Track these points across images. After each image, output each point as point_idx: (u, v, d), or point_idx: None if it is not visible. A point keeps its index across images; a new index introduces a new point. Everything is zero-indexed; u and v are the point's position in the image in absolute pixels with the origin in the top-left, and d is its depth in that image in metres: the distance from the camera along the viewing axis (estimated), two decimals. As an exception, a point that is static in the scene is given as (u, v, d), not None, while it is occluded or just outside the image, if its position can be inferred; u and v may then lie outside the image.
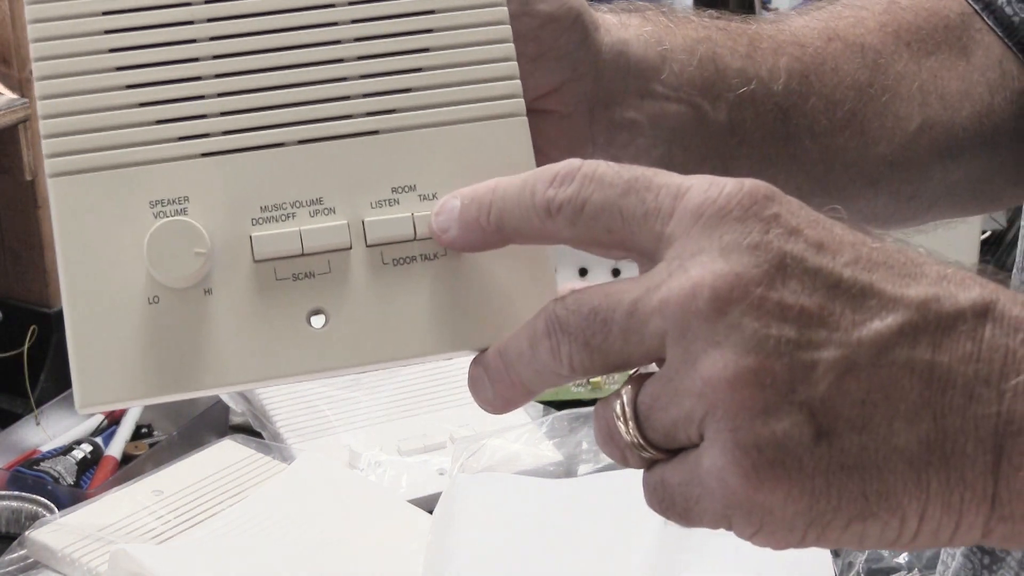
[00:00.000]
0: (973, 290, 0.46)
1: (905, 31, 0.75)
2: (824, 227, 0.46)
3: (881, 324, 0.45)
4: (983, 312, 0.45)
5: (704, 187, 0.46)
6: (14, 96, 1.31)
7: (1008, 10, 0.76)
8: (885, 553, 1.07)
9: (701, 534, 0.98)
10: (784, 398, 0.44)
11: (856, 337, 0.45)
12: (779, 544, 0.46)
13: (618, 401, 0.47)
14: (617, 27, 0.66)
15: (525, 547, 1.02)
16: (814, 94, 0.71)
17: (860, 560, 1.06)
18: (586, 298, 0.47)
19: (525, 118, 0.54)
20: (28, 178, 1.35)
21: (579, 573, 0.99)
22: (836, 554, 1.05)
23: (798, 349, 0.44)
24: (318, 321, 0.51)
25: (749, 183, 0.46)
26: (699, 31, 0.69)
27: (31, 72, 1.42)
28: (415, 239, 0.52)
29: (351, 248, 0.52)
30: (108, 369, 0.50)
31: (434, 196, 0.53)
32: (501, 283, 0.52)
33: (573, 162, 0.49)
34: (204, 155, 0.52)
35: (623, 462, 0.48)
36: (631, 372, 0.48)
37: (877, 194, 0.74)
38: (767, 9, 2.29)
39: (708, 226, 0.46)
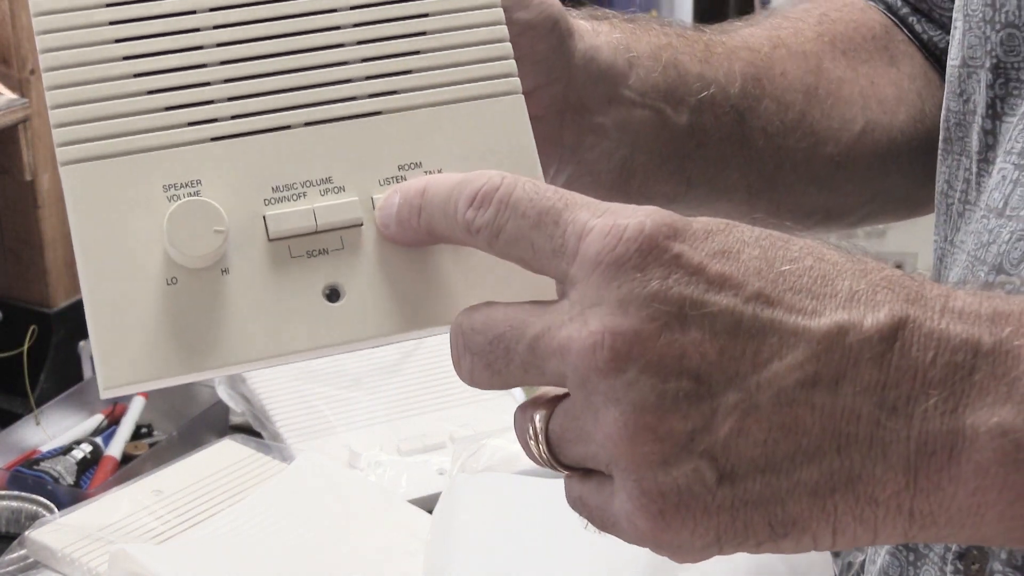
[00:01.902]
0: (883, 309, 0.45)
1: (839, 40, 0.78)
2: (730, 257, 0.46)
3: (780, 365, 0.45)
4: (892, 335, 0.45)
5: (605, 230, 0.46)
6: (14, 96, 1.31)
7: (918, 28, 0.80)
8: (885, 553, 1.06)
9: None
10: (684, 448, 0.45)
11: (755, 381, 0.45)
12: (696, 562, 0.48)
13: (530, 425, 0.49)
14: (590, 34, 0.68)
15: (525, 547, 1.02)
16: (767, 96, 0.73)
17: (859, 560, 1.06)
18: (492, 322, 0.48)
19: (521, 95, 0.56)
20: (28, 178, 1.35)
21: (579, 573, 0.99)
22: (836, 554, 1.05)
23: (697, 400, 0.45)
24: (334, 297, 0.52)
25: (651, 223, 0.46)
26: (661, 38, 0.71)
27: (31, 72, 1.42)
28: None
29: (363, 224, 0.53)
30: (130, 351, 0.51)
31: (440, 172, 0.54)
32: None
33: (493, 180, 0.49)
34: (214, 139, 0.53)
35: (541, 466, 0.50)
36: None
37: (820, 191, 0.76)
38: (766, 9, 2.30)
39: (606, 276, 0.46)
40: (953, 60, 0.69)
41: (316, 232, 0.53)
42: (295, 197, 0.53)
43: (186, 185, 0.52)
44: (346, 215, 0.53)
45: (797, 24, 0.79)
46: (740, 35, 0.76)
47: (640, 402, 0.45)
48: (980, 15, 0.66)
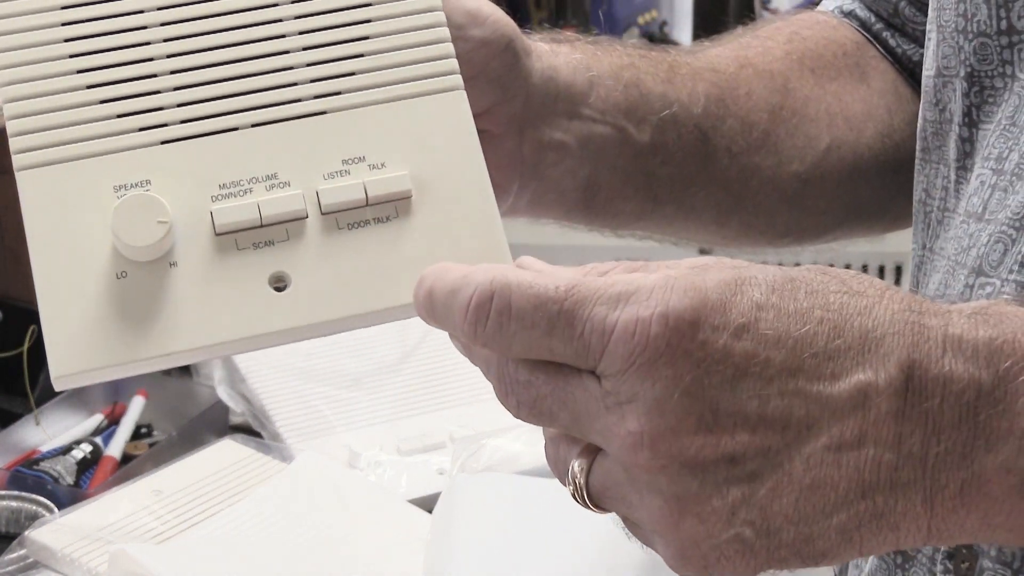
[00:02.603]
0: (891, 359, 0.48)
1: (808, 58, 0.79)
2: (749, 331, 0.47)
3: (809, 434, 0.47)
4: (904, 385, 0.48)
5: (629, 329, 0.47)
6: (14, 96, 1.31)
7: (892, 43, 0.81)
8: (885, 553, 1.06)
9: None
10: (727, 523, 0.47)
11: (788, 453, 0.47)
12: None
13: (569, 472, 0.50)
14: (548, 54, 0.69)
15: (525, 547, 1.02)
16: (731, 116, 0.75)
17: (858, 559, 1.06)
18: (536, 380, 0.49)
19: (463, 91, 0.58)
20: (28, 178, 1.35)
21: (579, 573, 0.99)
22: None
23: (736, 481, 0.47)
24: (280, 284, 0.54)
25: (673, 314, 0.47)
26: (623, 58, 0.72)
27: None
28: (367, 204, 0.55)
29: (307, 217, 0.55)
30: (80, 341, 0.52)
31: (383, 165, 0.56)
32: (453, 239, 0.56)
33: (483, 289, 0.49)
34: (164, 142, 0.55)
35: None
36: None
37: (791, 209, 0.78)
38: (767, 9, 2.29)
39: (639, 375, 0.47)
40: (928, 71, 0.70)
41: (262, 225, 0.54)
42: (241, 193, 0.55)
43: (136, 185, 0.54)
44: (290, 207, 0.55)
45: (766, 43, 0.80)
46: (706, 56, 0.77)
47: (683, 493, 0.47)
48: (953, 26, 0.67)
